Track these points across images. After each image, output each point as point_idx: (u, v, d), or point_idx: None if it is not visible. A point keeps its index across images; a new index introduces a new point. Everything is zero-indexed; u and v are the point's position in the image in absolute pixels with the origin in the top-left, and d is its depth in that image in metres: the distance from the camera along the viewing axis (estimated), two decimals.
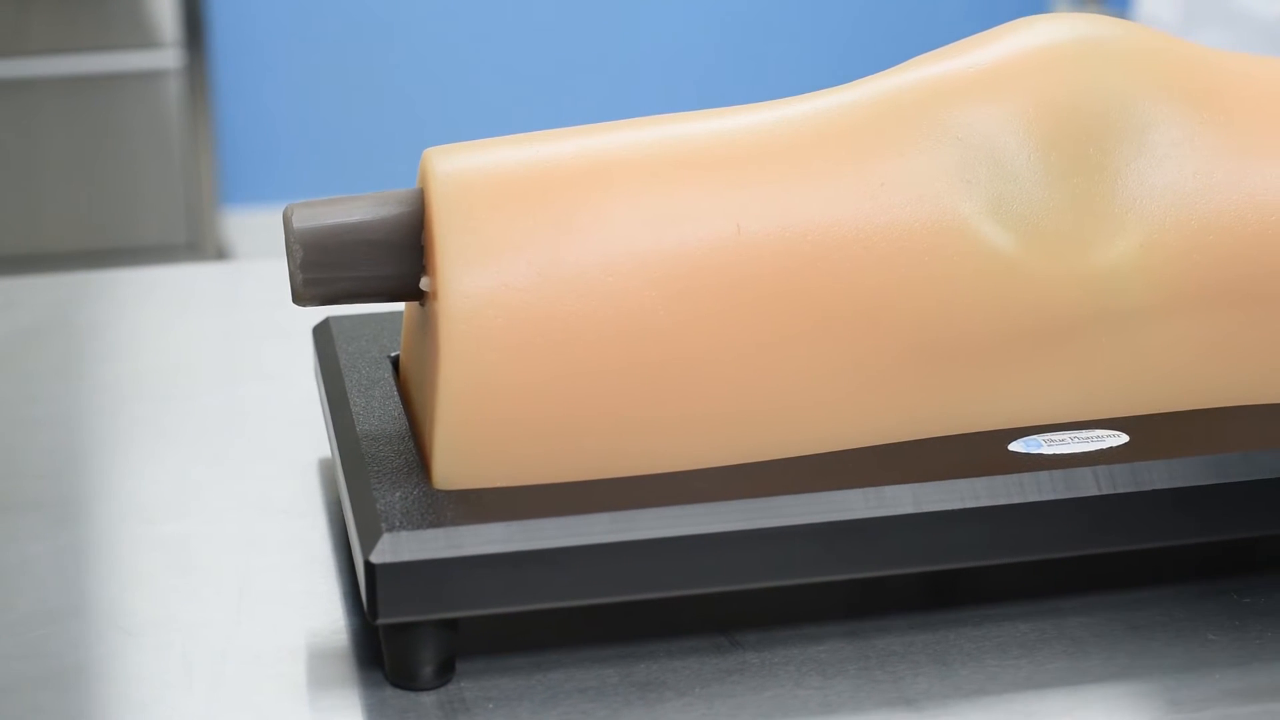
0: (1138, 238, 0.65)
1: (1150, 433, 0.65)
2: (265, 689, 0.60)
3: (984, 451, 0.63)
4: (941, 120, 0.65)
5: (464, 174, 0.62)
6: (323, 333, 0.74)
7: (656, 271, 0.62)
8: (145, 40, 2.63)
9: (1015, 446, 0.64)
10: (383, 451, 0.63)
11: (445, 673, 0.60)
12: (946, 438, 0.65)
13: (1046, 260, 0.64)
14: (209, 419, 0.80)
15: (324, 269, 0.63)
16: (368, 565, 0.58)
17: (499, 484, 0.61)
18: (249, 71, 2.88)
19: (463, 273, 0.61)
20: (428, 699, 0.60)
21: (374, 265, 0.63)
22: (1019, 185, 0.64)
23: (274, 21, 2.88)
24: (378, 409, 0.67)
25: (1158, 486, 0.62)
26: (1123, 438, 0.64)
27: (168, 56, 2.64)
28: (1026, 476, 0.62)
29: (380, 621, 0.58)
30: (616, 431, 0.62)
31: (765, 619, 0.64)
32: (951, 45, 0.68)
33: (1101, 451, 0.63)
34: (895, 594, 0.65)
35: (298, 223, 0.63)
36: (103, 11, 2.61)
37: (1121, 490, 0.62)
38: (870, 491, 0.61)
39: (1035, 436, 0.64)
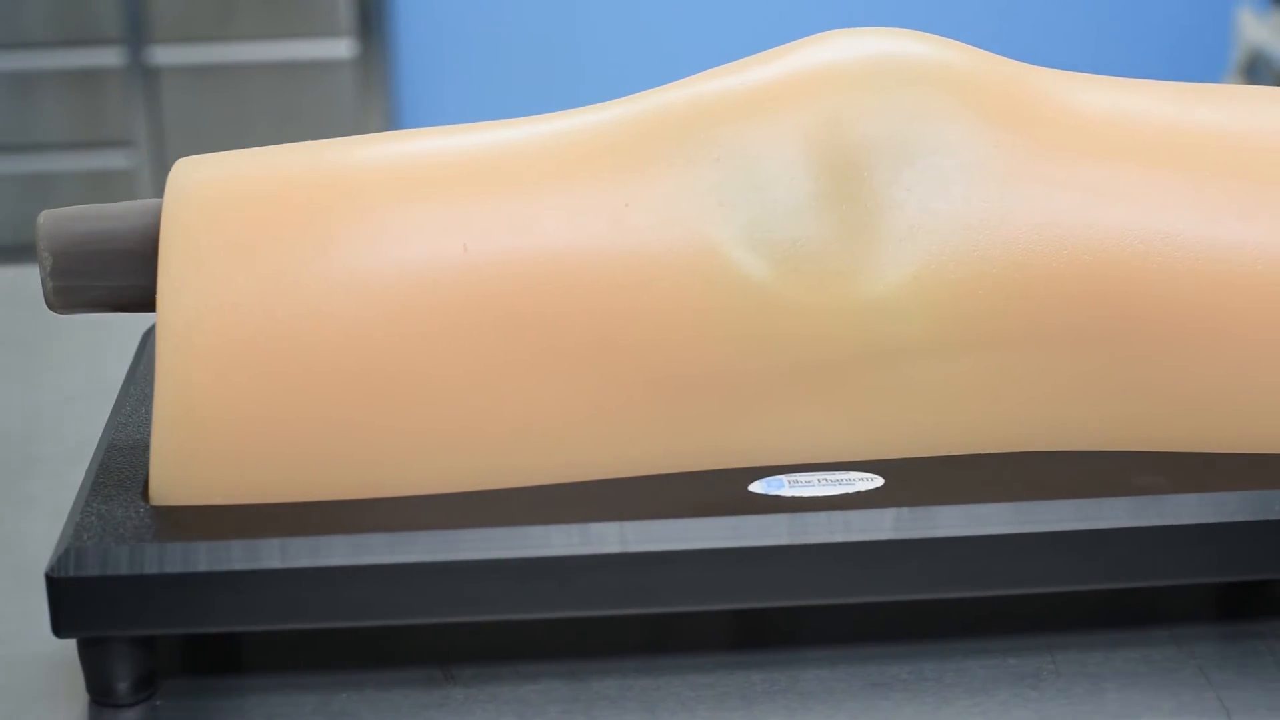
0: (911, 269, 0.61)
1: (909, 478, 0.61)
2: None
3: (721, 490, 0.60)
4: (700, 140, 0.62)
5: (194, 186, 0.62)
6: (148, 338, 0.74)
7: (377, 290, 0.60)
8: (321, 29, 2.68)
9: (756, 487, 0.60)
10: (121, 464, 0.63)
11: (144, 689, 0.59)
12: (689, 474, 0.62)
13: (807, 291, 0.61)
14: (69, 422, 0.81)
15: (73, 277, 0.63)
16: (47, 578, 0.57)
17: (217, 501, 0.60)
18: (428, 64, 2.91)
19: (176, 286, 0.60)
20: (127, 715, 0.59)
21: (121, 275, 0.63)
22: (779, 210, 0.61)
23: (456, 13, 2.90)
24: (145, 420, 0.66)
25: (891, 536, 0.58)
26: (877, 481, 0.61)
27: (342, 46, 2.69)
28: (750, 519, 0.59)
29: (62, 637, 0.58)
30: (334, 454, 0.60)
31: (490, 653, 0.61)
32: (740, 60, 0.65)
33: (844, 496, 0.60)
34: (629, 633, 0.62)
35: (46, 230, 0.63)
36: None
37: (855, 538, 0.58)
38: (575, 528, 0.58)
39: (781, 477, 0.61)
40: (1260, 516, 0.59)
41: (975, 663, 0.61)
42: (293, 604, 0.58)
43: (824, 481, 0.61)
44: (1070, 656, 0.61)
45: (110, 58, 2.63)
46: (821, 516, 0.58)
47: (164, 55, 2.64)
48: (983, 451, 0.63)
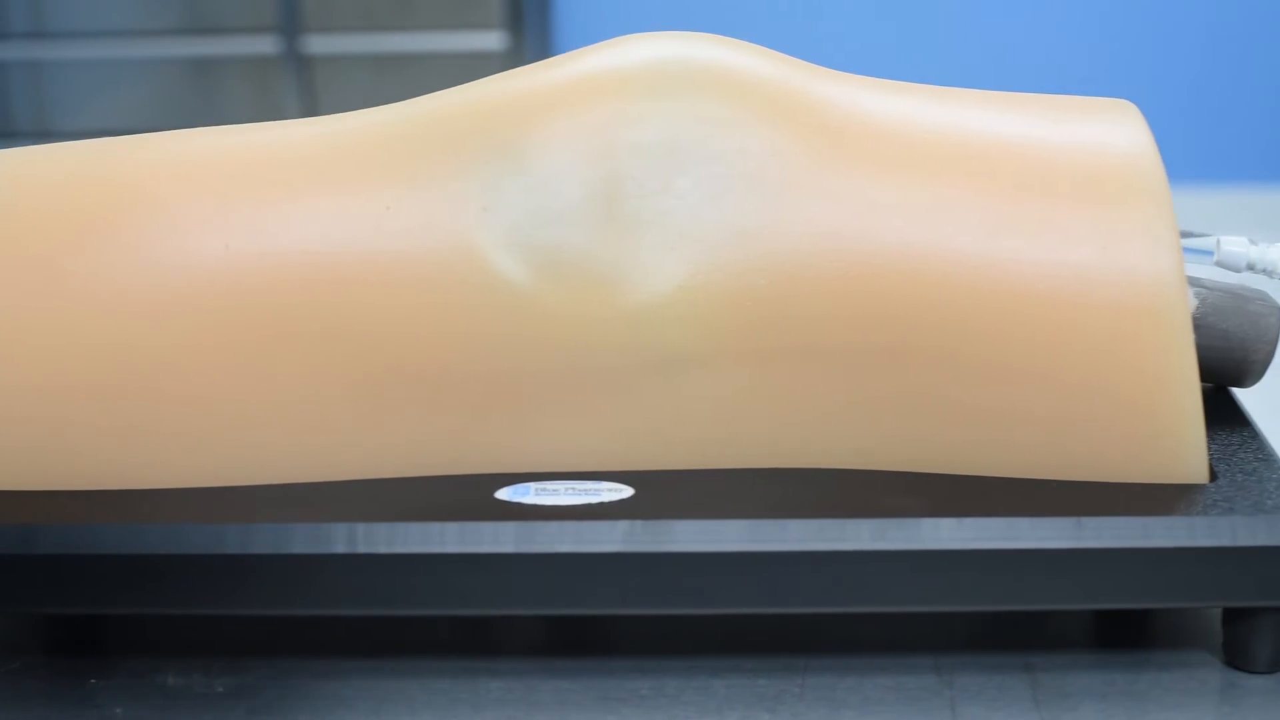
0: (678, 279, 0.60)
1: (662, 491, 0.60)
2: None
3: (465, 496, 0.60)
4: (472, 143, 0.62)
5: None
6: None
7: (141, 286, 0.61)
8: (472, 22, 2.71)
9: (502, 494, 0.60)
10: None
11: None
12: (442, 478, 0.61)
13: (568, 297, 0.60)
14: None
15: None
16: None
17: None
18: None
19: None
20: None
21: None
22: (544, 215, 0.60)
23: (617, 7, 2.91)
24: None
25: (620, 549, 0.57)
26: (625, 492, 0.60)
27: (492, 39, 2.71)
28: (481, 525, 0.58)
29: None
30: (91, 446, 0.61)
31: (251, 650, 0.62)
32: (538, 63, 0.65)
33: (585, 506, 0.59)
34: (388, 635, 0.62)
35: None
36: None
37: (584, 549, 0.58)
38: (307, 527, 0.58)
39: (529, 484, 0.60)
40: (1012, 544, 0.57)
41: (722, 681, 0.59)
42: (26, 590, 0.59)
43: (571, 491, 0.60)
44: (823, 680, 0.59)
45: (266, 46, 2.70)
46: (553, 526, 0.58)
47: (318, 45, 2.70)
48: (752, 466, 0.61)
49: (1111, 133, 0.62)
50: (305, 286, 0.60)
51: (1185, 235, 0.66)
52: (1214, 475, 0.60)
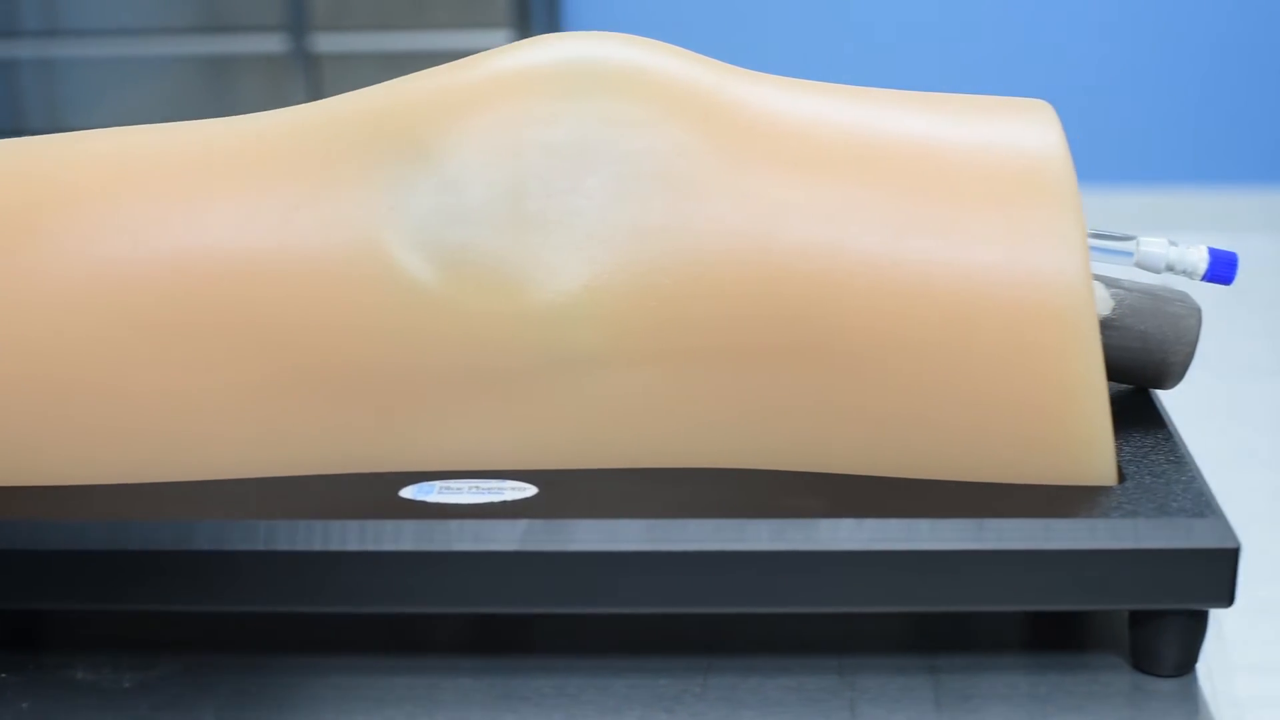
0: (583, 279, 0.60)
1: (566, 490, 0.60)
2: None
3: (370, 494, 0.60)
4: (383, 141, 0.62)
5: None
6: None
7: (47, 281, 0.61)
8: (477, 20, 2.72)
9: (406, 492, 0.60)
10: None
11: None
12: (350, 476, 0.61)
13: (474, 296, 0.60)
14: None
15: None
16: None
17: None
18: None
19: None
20: None
21: None
22: (451, 214, 0.60)
23: (630, 6, 2.91)
24: None
25: (517, 548, 0.57)
26: (529, 491, 0.60)
27: (499, 38, 2.72)
28: (382, 524, 0.58)
29: None
30: (11, 441, 0.61)
31: (165, 646, 0.62)
32: (457, 61, 0.65)
33: (488, 505, 0.59)
34: (306, 631, 0.63)
35: None
36: None
37: (483, 548, 0.58)
38: (213, 524, 0.58)
39: (434, 483, 0.61)
40: (912, 545, 0.57)
41: (623, 681, 0.59)
42: None
43: (475, 489, 0.60)
44: (726, 680, 0.59)
45: (276, 44, 2.70)
46: (452, 524, 0.58)
47: (326, 43, 2.70)
48: (657, 466, 0.61)
49: (1022, 133, 0.62)
50: (210, 282, 0.61)
51: (1104, 236, 0.66)
52: (1123, 477, 0.60)
